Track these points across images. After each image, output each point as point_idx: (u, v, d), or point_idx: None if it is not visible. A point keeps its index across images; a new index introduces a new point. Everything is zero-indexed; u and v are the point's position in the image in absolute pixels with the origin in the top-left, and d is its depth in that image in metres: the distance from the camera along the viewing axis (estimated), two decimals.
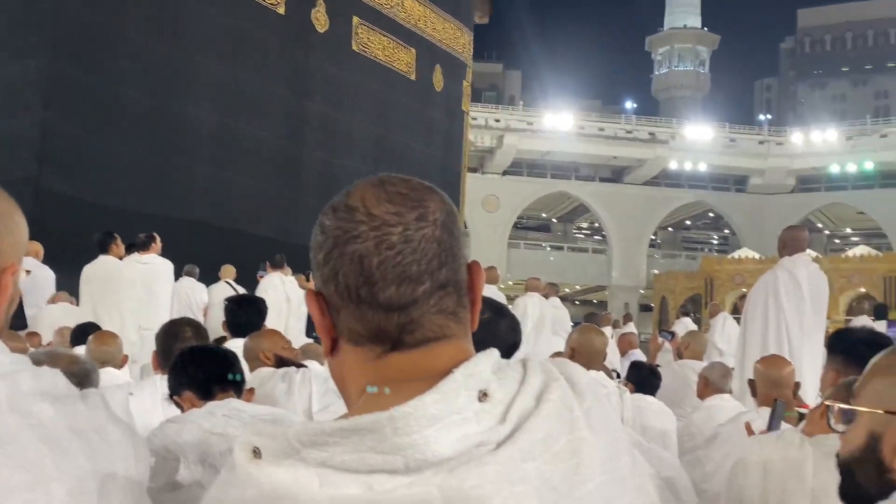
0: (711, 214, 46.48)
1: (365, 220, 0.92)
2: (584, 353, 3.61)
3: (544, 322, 9.15)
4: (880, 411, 1.19)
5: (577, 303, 47.86)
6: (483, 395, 0.89)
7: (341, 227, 0.93)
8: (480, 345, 0.98)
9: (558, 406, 0.91)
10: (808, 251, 5.75)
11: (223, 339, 4.18)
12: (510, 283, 36.80)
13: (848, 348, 2.60)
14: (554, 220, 49.62)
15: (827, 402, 1.44)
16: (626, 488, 0.95)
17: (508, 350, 2.00)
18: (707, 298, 32.25)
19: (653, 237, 44.38)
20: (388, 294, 0.91)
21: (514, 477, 0.85)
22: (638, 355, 8.76)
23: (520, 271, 36.44)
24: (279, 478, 0.83)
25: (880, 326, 10.47)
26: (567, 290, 44.94)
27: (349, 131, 15.76)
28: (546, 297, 10.03)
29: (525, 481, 0.85)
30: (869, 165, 41.04)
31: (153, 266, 7.50)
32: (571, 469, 0.89)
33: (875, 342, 2.44)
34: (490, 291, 9.00)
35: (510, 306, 8.91)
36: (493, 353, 0.95)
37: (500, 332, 1.98)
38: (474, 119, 32.97)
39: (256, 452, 0.86)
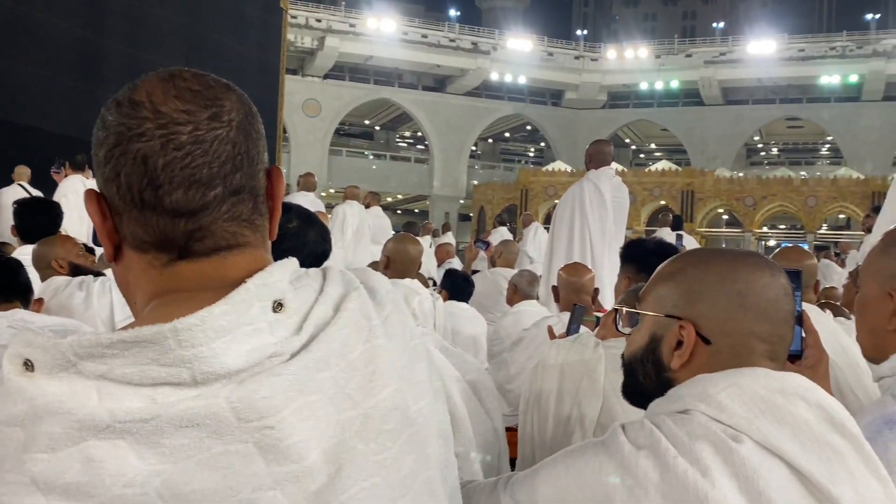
0: (529, 127, 47.86)
1: (151, 116, 0.86)
2: (399, 261, 3.65)
3: (364, 231, 9.18)
4: (661, 315, 1.27)
5: (398, 212, 48.25)
6: (278, 306, 0.87)
7: (124, 123, 0.86)
8: (288, 254, 0.95)
9: (356, 315, 0.91)
10: (614, 165, 6.05)
11: (4, 244, 3.87)
12: (331, 190, 36.47)
13: (638, 257, 2.77)
14: (377, 127, 49.34)
15: (615, 307, 1.54)
16: (423, 393, 0.97)
17: (317, 259, 1.98)
18: (522, 209, 33.49)
19: (473, 148, 45.21)
20: (175, 198, 0.86)
21: (307, 387, 0.84)
22: (455, 264, 8.99)
23: (341, 179, 36.15)
24: (53, 391, 0.78)
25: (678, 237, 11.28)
26: (389, 198, 45.14)
27: (156, 23, 14.72)
28: (367, 205, 10.04)
29: (319, 391, 0.85)
30: (675, 84, 43.50)
31: None
32: (366, 377, 0.89)
33: (663, 252, 2.61)
34: (307, 199, 8.88)
35: (330, 214, 8.87)
36: (290, 263, 0.93)
37: (308, 241, 1.95)
38: (294, 18, 31.73)
39: (28, 365, 0.79)
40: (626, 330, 1.37)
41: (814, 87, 41.35)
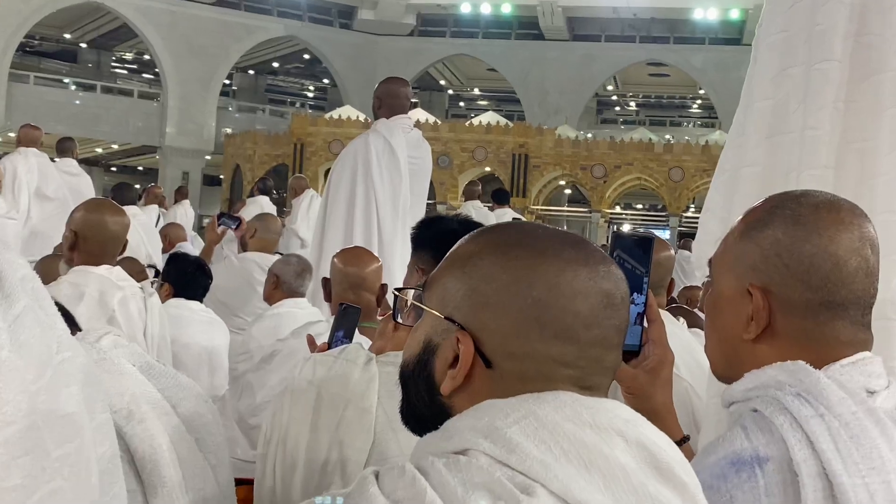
0: (307, 56, 47.63)
1: None
2: (92, 239, 3.52)
3: (49, 192, 8.80)
4: (441, 316, 1.28)
5: (113, 169, 46.70)
6: None
7: None
8: None
9: None
10: (416, 113, 6.13)
11: None
12: (11, 133, 34.69)
13: (437, 241, 2.78)
14: (83, 44, 47.44)
15: (395, 291, 1.54)
16: (71, 432, 0.93)
17: None
18: (295, 170, 33.28)
19: (226, 82, 44.43)
20: None
21: None
22: (189, 249, 8.80)
23: (28, 116, 34.25)
24: None
25: (507, 215, 11.59)
26: (99, 149, 43.59)
27: None
28: (58, 157, 9.64)
29: None
30: (507, 9, 44.67)
31: None
32: None
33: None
34: None
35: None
36: None
37: None
38: None
39: None
40: (410, 322, 1.39)
41: (685, 23, 43.63)
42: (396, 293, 1.52)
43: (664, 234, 30.96)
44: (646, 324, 1.66)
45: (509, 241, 1.29)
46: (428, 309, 1.31)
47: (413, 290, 1.40)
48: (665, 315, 3.19)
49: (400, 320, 1.43)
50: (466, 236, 1.34)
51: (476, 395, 1.24)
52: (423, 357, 1.30)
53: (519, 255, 1.26)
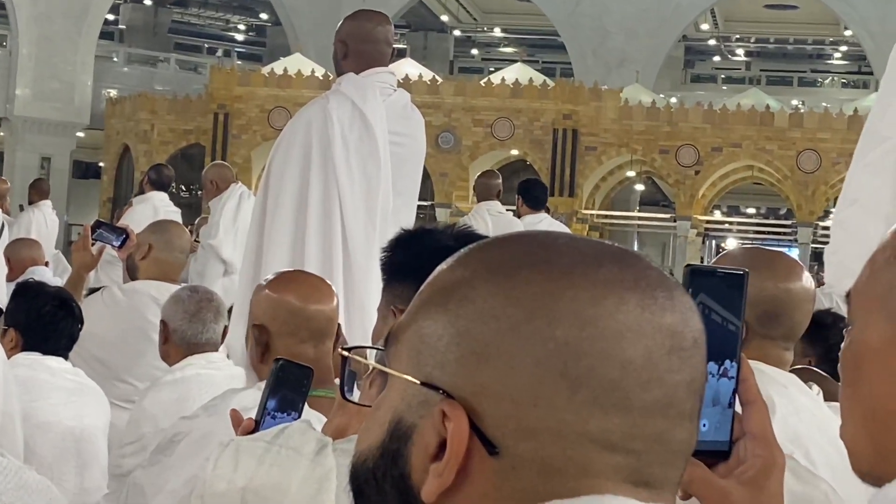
0: None
1: None
2: None
3: None
4: (416, 381, 1.25)
5: None
6: None
7: None
8: None
9: None
10: (402, 65, 6.15)
11: None
12: None
13: (421, 268, 2.76)
14: None
15: (342, 351, 1.52)
16: None
17: None
18: (214, 156, 33.32)
19: (111, 17, 44.64)
20: None
21: None
22: (46, 275, 8.82)
23: None
24: None
25: (543, 223, 11.53)
26: None
27: None
28: None
29: None
30: None
31: None
32: None
33: None
34: None
35: None
36: None
37: None
38: None
39: None
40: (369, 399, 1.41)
41: None
42: (344, 354, 1.51)
43: (792, 254, 30.96)
44: (739, 408, 1.62)
45: (515, 260, 1.27)
46: (395, 372, 1.29)
47: (371, 349, 1.39)
48: (791, 380, 3.18)
49: (354, 397, 1.41)
50: (450, 258, 1.33)
51: (475, 501, 1.22)
52: (391, 447, 1.27)
53: (532, 279, 1.24)
